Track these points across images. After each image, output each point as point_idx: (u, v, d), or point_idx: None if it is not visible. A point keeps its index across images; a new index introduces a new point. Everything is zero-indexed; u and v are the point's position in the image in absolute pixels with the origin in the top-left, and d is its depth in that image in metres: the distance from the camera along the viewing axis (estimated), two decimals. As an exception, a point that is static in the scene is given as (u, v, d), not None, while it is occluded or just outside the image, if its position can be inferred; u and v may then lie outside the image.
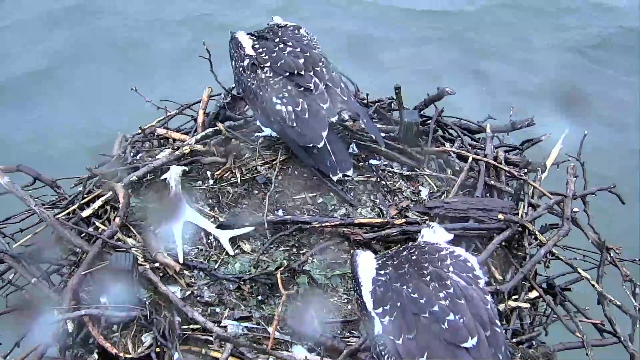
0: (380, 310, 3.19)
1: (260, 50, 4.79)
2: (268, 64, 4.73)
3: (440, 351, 3.02)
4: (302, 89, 4.66)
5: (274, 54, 4.74)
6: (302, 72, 4.67)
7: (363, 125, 4.84)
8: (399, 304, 3.14)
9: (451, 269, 3.25)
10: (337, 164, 4.66)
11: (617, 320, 4.22)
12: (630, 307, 4.26)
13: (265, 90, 4.70)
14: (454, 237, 4.23)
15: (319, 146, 4.61)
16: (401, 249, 3.47)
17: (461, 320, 3.06)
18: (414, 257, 3.31)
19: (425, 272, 3.22)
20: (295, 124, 4.61)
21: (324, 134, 4.60)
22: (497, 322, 3.18)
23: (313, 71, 4.71)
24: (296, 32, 4.94)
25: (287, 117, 4.62)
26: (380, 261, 3.42)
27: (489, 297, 3.25)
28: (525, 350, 3.97)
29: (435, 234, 3.58)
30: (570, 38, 11.24)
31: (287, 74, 4.68)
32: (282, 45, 4.76)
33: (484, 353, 3.03)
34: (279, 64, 4.71)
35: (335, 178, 4.68)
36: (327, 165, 4.65)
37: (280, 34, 4.88)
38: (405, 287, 3.18)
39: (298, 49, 4.78)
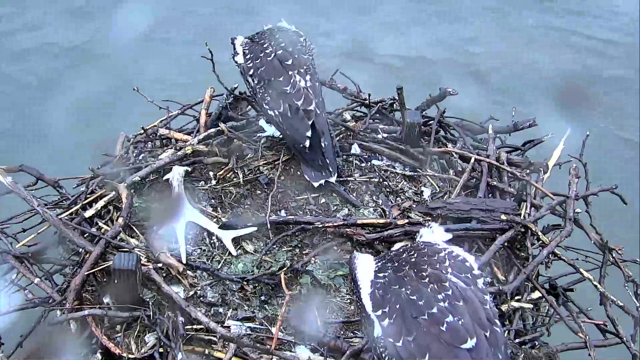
0: (379, 312, 3.19)
1: (249, 56, 4.86)
2: (251, 72, 4.79)
3: (441, 352, 3.02)
4: (280, 91, 4.68)
5: (258, 60, 4.79)
6: (281, 78, 4.69)
7: (323, 146, 4.71)
8: (398, 306, 3.15)
9: (450, 270, 3.25)
10: (319, 169, 4.68)
11: (619, 321, 4.22)
12: (632, 307, 4.27)
13: (258, 97, 4.80)
14: (457, 237, 4.28)
15: (306, 145, 4.64)
16: (400, 250, 3.46)
17: (460, 321, 3.07)
18: (412, 259, 3.31)
19: (424, 274, 3.22)
20: (284, 127, 4.68)
21: (308, 133, 4.63)
22: (497, 321, 3.18)
23: (297, 72, 4.72)
24: (294, 36, 4.97)
25: (277, 120, 4.69)
26: (379, 263, 3.42)
27: (487, 297, 3.25)
28: (528, 350, 3.98)
29: (433, 234, 3.58)
30: (572, 38, 11.25)
31: (266, 80, 4.73)
32: (269, 50, 4.78)
33: (484, 354, 3.04)
34: (259, 71, 4.76)
35: (316, 184, 4.70)
36: (315, 168, 4.67)
37: (277, 35, 4.90)
38: (404, 289, 3.19)
39: (290, 49, 4.80)
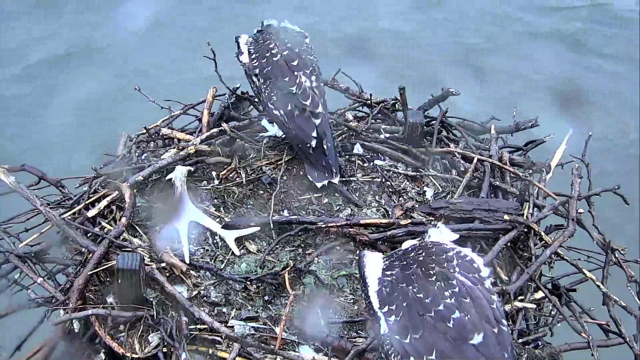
0: (386, 309, 3.20)
1: (254, 56, 4.85)
2: (257, 71, 4.79)
3: (447, 349, 3.03)
4: (286, 92, 4.68)
5: (264, 60, 4.78)
6: (287, 78, 4.69)
7: (325, 148, 4.70)
8: (405, 304, 3.16)
9: (457, 269, 3.26)
10: (323, 170, 4.68)
11: (622, 321, 4.22)
12: (635, 307, 4.27)
13: (263, 96, 4.79)
14: (459, 237, 4.27)
15: (313, 144, 4.63)
16: (409, 249, 3.47)
17: (467, 317, 3.08)
18: (420, 258, 3.33)
19: (431, 272, 3.23)
20: (290, 126, 4.66)
21: (314, 133, 4.63)
22: (504, 321, 3.19)
23: (303, 72, 4.72)
24: (299, 37, 4.96)
25: (283, 120, 4.67)
26: (387, 262, 3.43)
27: (495, 297, 3.26)
28: (531, 350, 3.97)
29: (441, 234, 3.59)
30: (573, 37, 11.26)
31: (273, 79, 4.72)
32: (275, 50, 4.77)
33: (492, 348, 3.04)
34: (265, 71, 4.75)
35: (319, 185, 4.70)
36: (318, 168, 4.67)
37: (282, 36, 4.89)
38: (411, 287, 3.20)
39: (296, 50, 4.80)
